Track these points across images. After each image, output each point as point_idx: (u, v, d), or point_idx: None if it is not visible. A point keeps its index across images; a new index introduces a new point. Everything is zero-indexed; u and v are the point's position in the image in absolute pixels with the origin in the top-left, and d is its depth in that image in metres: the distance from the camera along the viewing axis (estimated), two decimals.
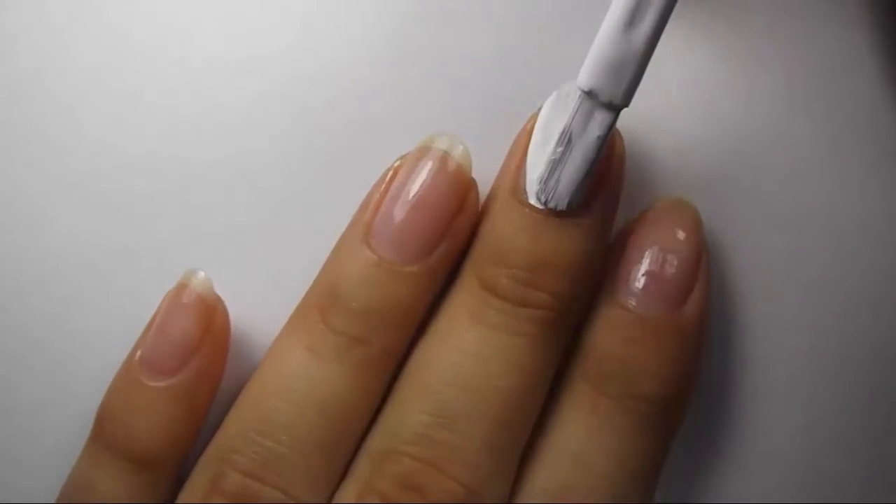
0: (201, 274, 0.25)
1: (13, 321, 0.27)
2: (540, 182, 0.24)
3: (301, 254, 0.26)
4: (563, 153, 0.24)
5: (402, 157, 0.25)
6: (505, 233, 0.24)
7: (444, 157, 0.25)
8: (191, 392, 0.25)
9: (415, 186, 0.25)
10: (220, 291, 0.26)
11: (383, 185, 0.25)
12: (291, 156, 0.26)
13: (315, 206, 0.26)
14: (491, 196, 0.25)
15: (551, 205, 0.24)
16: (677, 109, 0.26)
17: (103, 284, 0.27)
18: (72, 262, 0.27)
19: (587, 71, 0.23)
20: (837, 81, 0.27)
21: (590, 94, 0.23)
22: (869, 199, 0.27)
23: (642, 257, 0.25)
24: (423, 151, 0.25)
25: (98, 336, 0.26)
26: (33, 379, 0.27)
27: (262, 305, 0.26)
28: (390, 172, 0.25)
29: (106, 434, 0.25)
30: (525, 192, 0.24)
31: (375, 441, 0.24)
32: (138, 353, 0.25)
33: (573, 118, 0.24)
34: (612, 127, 0.24)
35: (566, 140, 0.24)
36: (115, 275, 0.26)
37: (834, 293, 0.27)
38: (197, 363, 0.25)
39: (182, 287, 0.25)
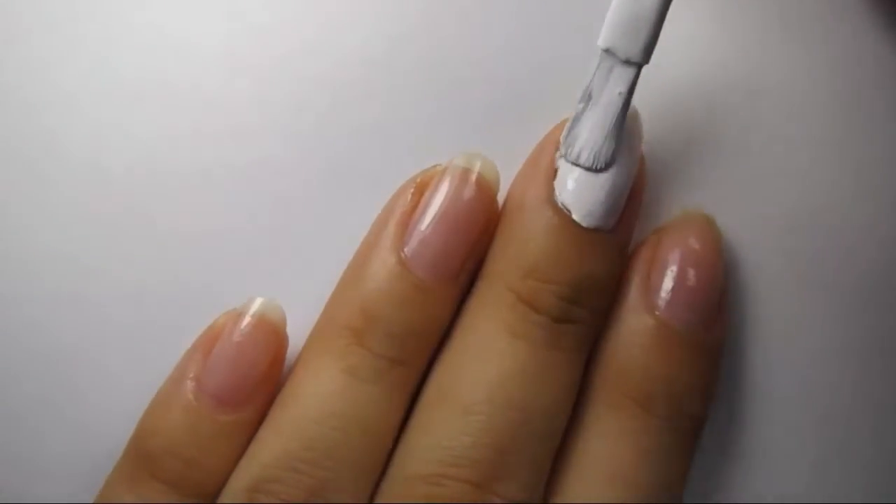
0: (269, 300, 0.25)
1: (14, 326, 0.26)
2: (562, 139, 0.24)
3: (303, 256, 0.26)
4: (584, 109, 0.24)
5: (424, 171, 0.25)
6: (547, 247, 0.24)
7: (473, 177, 0.24)
8: (254, 424, 0.24)
9: (449, 208, 0.24)
10: (220, 295, 0.25)
11: (409, 200, 0.25)
12: (293, 159, 0.26)
13: (318, 210, 0.26)
14: (520, 202, 0.25)
15: (571, 159, 0.24)
16: (679, 112, 0.26)
17: (102, 287, 0.26)
18: (71, 265, 0.26)
19: (605, 29, 0.23)
20: (840, 81, 0.27)
21: (608, 52, 0.23)
22: (874, 198, 0.27)
23: (682, 275, 0.25)
24: (451, 171, 0.25)
25: (99, 340, 0.26)
26: (33, 384, 0.26)
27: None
28: (413, 187, 0.25)
29: (168, 471, 0.24)
30: (565, 205, 0.24)
31: (413, 462, 0.24)
32: (193, 381, 0.24)
33: (594, 76, 0.24)
34: (633, 84, 0.23)
35: (587, 97, 0.24)
36: (115, 278, 0.26)
37: (839, 292, 0.27)
38: (263, 395, 0.24)
39: (251, 316, 0.25)
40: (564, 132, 0.24)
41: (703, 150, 0.26)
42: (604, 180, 0.24)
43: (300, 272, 0.26)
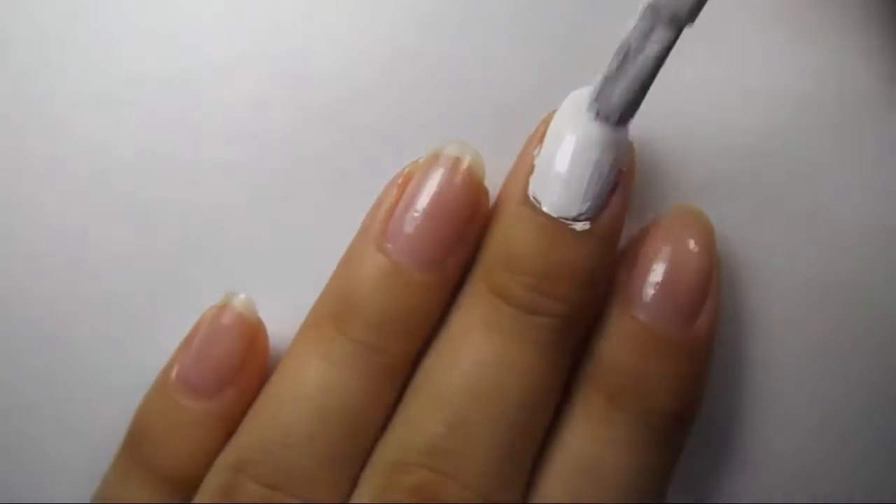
0: (242, 295, 0.25)
1: (16, 323, 0.27)
2: (592, 96, 0.24)
3: (304, 255, 0.26)
4: (619, 67, 0.23)
5: (412, 163, 0.25)
6: (518, 240, 0.24)
7: (457, 164, 0.25)
8: (229, 414, 0.25)
9: (429, 194, 0.24)
10: (221, 293, 0.26)
11: (395, 191, 0.25)
12: (292, 159, 0.26)
13: (319, 210, 0.26)
14: (501, 200, 0.25)
15: (601, 118, 0.23)
16: (679, 112, 0.26)
17: (104, 288, 0.26)
18: (71, 264, 0.26)
19: None
20: (839, 81, 0.27)
21: (653, 8, 0.22)
22: (872, 199, 0.27)
23: (657, 270, 0.25)
24: (435, 158, 0.25)
25: (101, 336, 0.27)
26: (34, 380, 0.27)
27: (267, 308, 0.26)
28: (400, 179, 0.25)
29: (143, 454, 0.25)
30: (536, 197, 0.24)
31: (388, 451, 0.24)
32: (174, 371, 0.25)
33: (631, 32, 0.23)
34: (670, 47, 0.22)
35: (623, 54, 0.23)
36: (118, 279, 0.26)
37: (837, 293, 0.27)
38: (238, 386, 0.25)
39: (224, 308, 0.25)
40: (596, 88, 0.23)
41: (699, 151, 0.26)
42: (579, 174, 0.24)
43: (300, 270, 0.26)
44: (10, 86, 0.27)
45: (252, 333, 0.25)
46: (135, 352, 0.26)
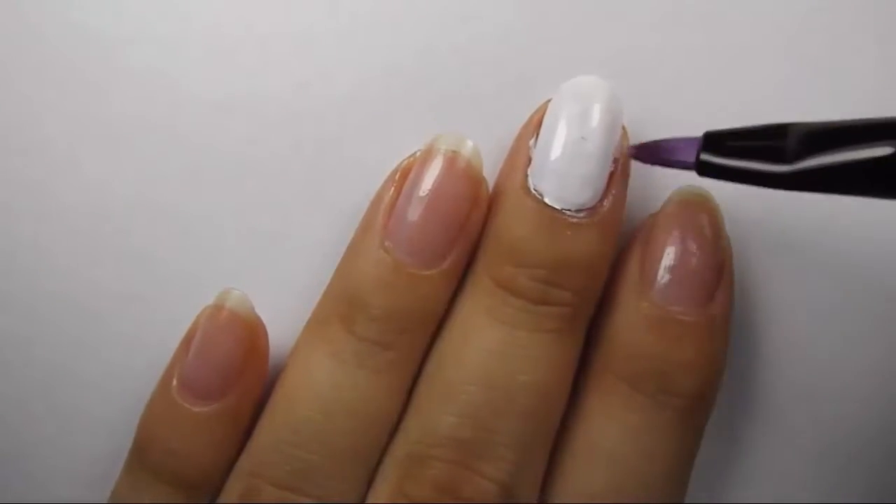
0: (237, 292, 0.25)
1: (12, 327, 0.26)
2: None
3: (304, 252, 0.26)
4: None
5: (409, 157, 0.25)
6: (521, 232, 0.24)
7: (454, 157, 0.24)
8: (236, 414, 0.25)
9: (427, 188, 0.24)
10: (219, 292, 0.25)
11: (393, 187, 0.25)
12: (290, 155, 0.26)
13: (319, 206, 0.26)
14: (499, 191, 0.25)
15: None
16: (680, 102, 0.26)
17: (109, 291, 0.26)
18: (69, 265, 0.26)
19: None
20: (839, 81, 0.26)
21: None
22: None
23: (669, 252, 0.24)
24: (432, 151, 0.25)
25: (103, 337, 0.26)
26: (35, 384, 0.27)
27: (271, 309, 0.26)
28: (398, 174, 0.25)
29: (155, 463, 0.25)
30: (538, 189, 0.24)
31: (402, 445, 0.24)
32: (175, 376, 0.25)
33: None
34: None
35: None
36: (122, 282, 0.26)
37: (855, 287, 0.26)
38: (241, 385, 0.25)
39: (220, 308, 0.25)
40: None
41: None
42: (577, 163, 0.24)
43: (300, 267, 0.26)
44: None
45: (251, 330, 0.25)
46: (134, 353, 0.26)
